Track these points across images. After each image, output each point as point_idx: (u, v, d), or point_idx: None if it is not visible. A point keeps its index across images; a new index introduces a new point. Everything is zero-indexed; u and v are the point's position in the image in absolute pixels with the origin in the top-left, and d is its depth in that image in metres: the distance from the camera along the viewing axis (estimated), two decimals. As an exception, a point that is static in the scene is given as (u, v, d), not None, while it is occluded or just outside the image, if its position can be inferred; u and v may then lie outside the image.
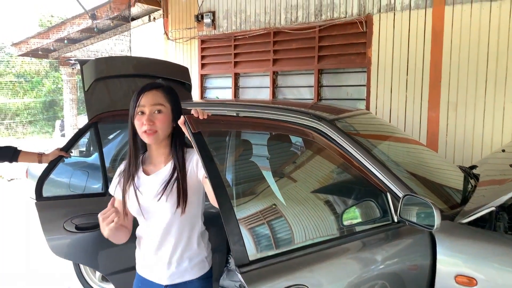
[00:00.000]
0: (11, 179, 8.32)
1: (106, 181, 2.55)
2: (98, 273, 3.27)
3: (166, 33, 6.77)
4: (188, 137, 1.52)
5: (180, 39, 6.51)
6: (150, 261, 1.66)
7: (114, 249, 1.93)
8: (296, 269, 1.47)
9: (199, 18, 6.12)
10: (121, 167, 1.72)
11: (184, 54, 6.49)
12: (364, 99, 4.59)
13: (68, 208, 2.40)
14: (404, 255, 1.81)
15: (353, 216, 1.81)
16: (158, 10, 6.81)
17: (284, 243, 1.62)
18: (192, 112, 1.52)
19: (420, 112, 4.21)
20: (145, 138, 1.60)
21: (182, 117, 1.52)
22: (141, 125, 1.58)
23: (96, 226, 1.88)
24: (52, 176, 3.46)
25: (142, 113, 1.59)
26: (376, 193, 1.91)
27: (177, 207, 1.58)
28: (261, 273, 1.41)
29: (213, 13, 5.99)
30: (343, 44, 4.71)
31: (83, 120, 13.10)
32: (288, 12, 5.17)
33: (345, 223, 1.80)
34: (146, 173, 1.66)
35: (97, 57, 4.69)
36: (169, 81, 3.51)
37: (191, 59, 6.36)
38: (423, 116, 4.20)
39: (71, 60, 3.27)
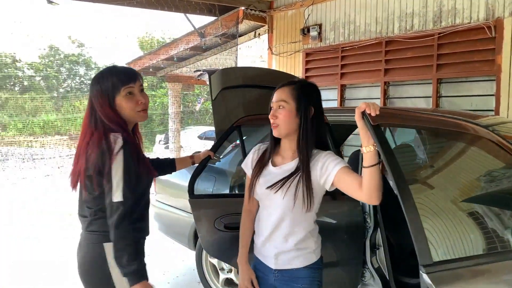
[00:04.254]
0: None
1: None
2: (221, 277, 3.33)
3: (270, 48, 6.91)
4: (361, 130, 1.50)
5: (284, 53, 6.60)
6: (263, 245, 1.76)
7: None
8: (483, 277, 1.34)
9: (305, 31, 6.15)
10: (257, 147, 1.86)
11: (288, 67, 6.55)
12: (492, 110, 4.19)
13: (217, 207, 2.48)
14: None
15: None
16: (263, 26, 7.00)
17: (468, 248, 1.49)
18: (365, 106, 1.52)
19: None
20: (273, 131, 1.74)
21: (357, 111, 1.51)
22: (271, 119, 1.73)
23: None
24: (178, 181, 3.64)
25: (272, 108, 1.73)
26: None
27: (302, 206, 1.64)
28: (445, 276, 1.31)
29: (320, 25, 5.98)
30: (466, 51, 4.38)
31: (189, 132, 13.80)
32: (402, 20, 4.97)
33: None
34: (274, 163, 1.77)
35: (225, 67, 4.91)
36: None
37: (294, 72, 6.38)
38: None
39: (200, 70, 3.45)
